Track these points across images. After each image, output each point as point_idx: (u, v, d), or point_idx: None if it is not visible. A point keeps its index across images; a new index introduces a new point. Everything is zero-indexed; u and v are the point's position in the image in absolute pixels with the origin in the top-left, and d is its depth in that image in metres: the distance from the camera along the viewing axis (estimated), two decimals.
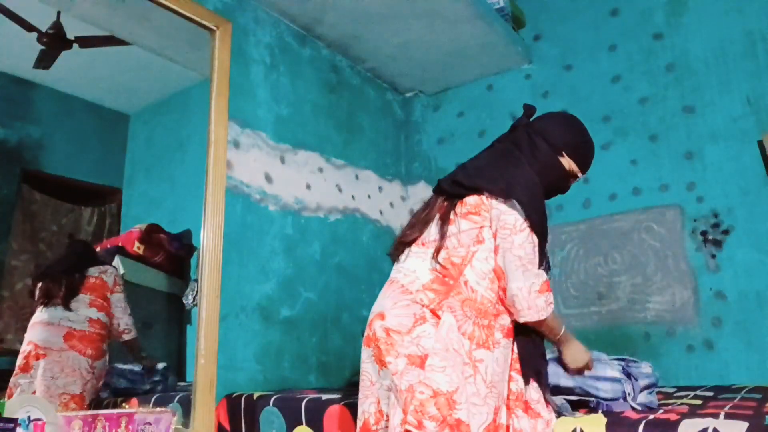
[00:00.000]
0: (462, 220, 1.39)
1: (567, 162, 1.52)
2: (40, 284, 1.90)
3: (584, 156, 1.57)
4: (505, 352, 1.34)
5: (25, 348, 1.80)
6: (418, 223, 1.48)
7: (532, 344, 1.41)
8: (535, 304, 1.32)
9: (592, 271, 2.66)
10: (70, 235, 2.04)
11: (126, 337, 2.06)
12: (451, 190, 1.45)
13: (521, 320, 1.34)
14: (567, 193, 2.73)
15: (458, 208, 1.41)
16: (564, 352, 1.48)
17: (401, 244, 1.48)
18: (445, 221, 1.41)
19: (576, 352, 1.47)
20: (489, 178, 1.41)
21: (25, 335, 1.82)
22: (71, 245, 2.06)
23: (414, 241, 1.45)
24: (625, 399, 1.45)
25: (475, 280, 1.34)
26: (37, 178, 1.94)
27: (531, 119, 1.56)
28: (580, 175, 1.56)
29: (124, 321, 2.04)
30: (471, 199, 1.40)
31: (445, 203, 1.45)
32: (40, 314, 1.86)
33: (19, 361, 1.78)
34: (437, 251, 1.37)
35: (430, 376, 1.23)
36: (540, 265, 1.38)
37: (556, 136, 1.51)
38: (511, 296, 1.32)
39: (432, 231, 1.43)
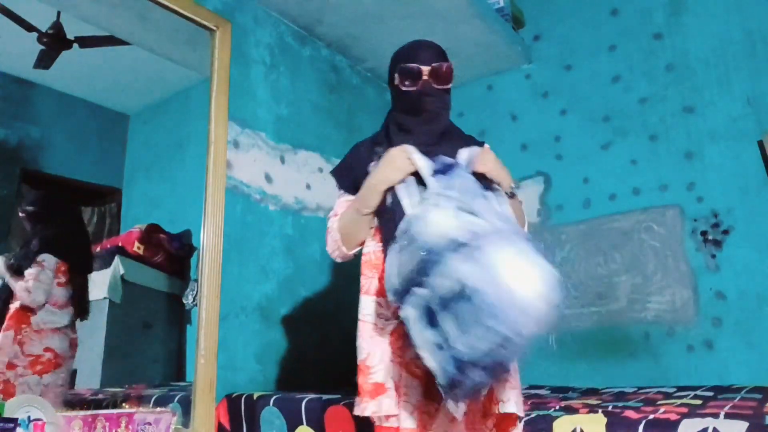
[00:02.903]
0: None
1: (395, 79, 1.33)
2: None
3: (397, 58, 1.36)
4: None
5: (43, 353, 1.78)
6: None
7: None
8: (333, 255, 1.44)
9: (592, 271, 2.66)
10: None
11: None
12: None
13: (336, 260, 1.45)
14: (567, 193, 2.78)
15: None
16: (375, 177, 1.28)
17: None
18: None
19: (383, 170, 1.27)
20: None
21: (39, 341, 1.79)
22: None
23: None
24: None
25: None
26: (37, 178, 1.94)
27: None
28: (411, 68, 1.30)
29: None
30: None
31: None
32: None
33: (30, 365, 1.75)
34: None
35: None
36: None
37: (388, 76, 1.39)
38: None
39: None
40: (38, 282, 1.79)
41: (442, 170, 1.20)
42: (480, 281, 0.95)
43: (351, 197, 1.36)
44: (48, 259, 1.83)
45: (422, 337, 1.02)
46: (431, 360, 1.01)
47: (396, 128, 1.36)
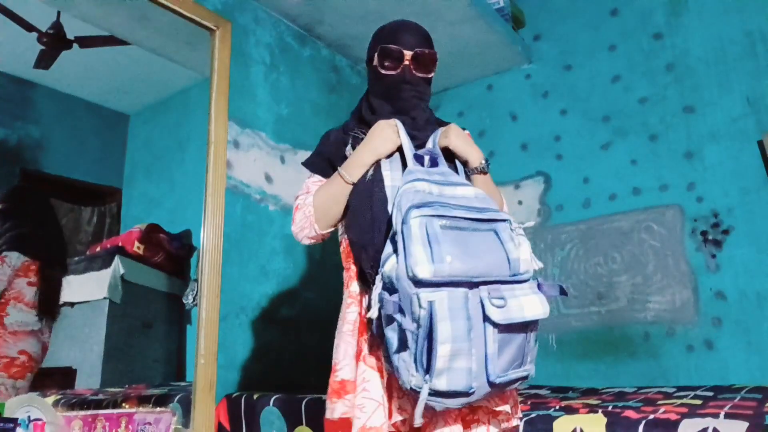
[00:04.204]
0: None
1: (375, 59, 1.27)
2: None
3: (379, 36, 1.29)
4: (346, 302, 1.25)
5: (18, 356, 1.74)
6: None
7: None
8: (300, 234, 1.25)
9: (592, 271, 2.66)
10: None
11: None
12: None
13: (304, 243, 1.28)
14: (567, 193, 2.78)
15: None
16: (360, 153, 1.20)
17: None
18: None
19: (372, 141, 1.19)
20: None
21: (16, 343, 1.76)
22: None
23: None
24: None
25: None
26: (37, 178, 1.94)
27: None
28: (392, 50, 1.23)
29: None
30: None
31: None
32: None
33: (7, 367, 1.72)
34: None
35: None
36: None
37: (366, 54, 1.34)
38: None
39: None
40: None
41: (422, 159, 1.14)
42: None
43: (323, 179, 1.26)
44: (12, 256, 1.80)
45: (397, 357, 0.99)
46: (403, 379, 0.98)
47: (370, 113, 1.27)
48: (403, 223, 0.98)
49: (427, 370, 0.92)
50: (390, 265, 0.99)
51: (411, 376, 0.95)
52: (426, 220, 0.97)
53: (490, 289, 0.96)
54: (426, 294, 0.92)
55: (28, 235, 1.87)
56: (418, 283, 0.92)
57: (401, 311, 0.94)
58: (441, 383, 0.92)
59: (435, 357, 0.91)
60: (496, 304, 0.94)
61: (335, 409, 1.15)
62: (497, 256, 0.98)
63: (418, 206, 0.98)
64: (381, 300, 0.99)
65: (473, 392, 0.94)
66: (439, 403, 0.95)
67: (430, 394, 0.93)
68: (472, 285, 0.95)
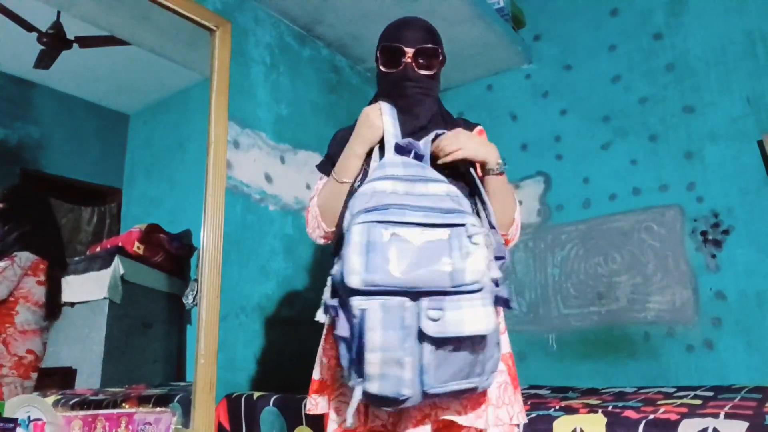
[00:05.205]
0: None
1: (379, 59, 1.26)
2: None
3: (382, 35, 1.27)
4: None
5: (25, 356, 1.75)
6: None
7: None
8: (313, 234, 1.27)
9: (592, 271, 2.66)
10: None
11: None
12: None
13: (318, 242, 1.29)
14: (567, 193, 2.78)
15: None
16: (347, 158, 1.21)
17: None
18: None
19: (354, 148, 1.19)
20: None
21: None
22: None
23: None
24: None
25: None
26: (37, 178, 1.94)
27: None
28: (393, 48, 1.22)
29: None
30: None
31: None
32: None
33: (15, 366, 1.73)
34: None
35: None
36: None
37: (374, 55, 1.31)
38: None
39: None
40: (2, 277, 1.75)
41: (407, 152, 1.11)
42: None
43: (322, 179, 1.29)
44: (22, 256, 1.80)
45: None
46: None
47: (396, 103, 1.24)
48: (346, 228, 0.97)
49: (360, 374, 0.94)
50: (335, 269, 0.99)
51: (350, 377, 0.97)
52: (370, 226, 0.95)
53: (431, 299, 0.93)
54: (358, 302, 0.92)
55: (34, 235, 1.87)
56: (352, 290, 0.92)
57: (338, 315, 0.96)
58: (373, 387, 0.93)
59: (364, 363, 0.92)
60: (431, 317, 0.92)
61: (306, 404, 1.20)
62: (440, 266, 0.93)
63: (369, 210, 0.97)
64: (324, 304, 1.00)
65: (405, 399, 0.94)
66: (374, 406, 0.98)
67: (365, 396, 0.95)
68: (413, 295, 0.93)
